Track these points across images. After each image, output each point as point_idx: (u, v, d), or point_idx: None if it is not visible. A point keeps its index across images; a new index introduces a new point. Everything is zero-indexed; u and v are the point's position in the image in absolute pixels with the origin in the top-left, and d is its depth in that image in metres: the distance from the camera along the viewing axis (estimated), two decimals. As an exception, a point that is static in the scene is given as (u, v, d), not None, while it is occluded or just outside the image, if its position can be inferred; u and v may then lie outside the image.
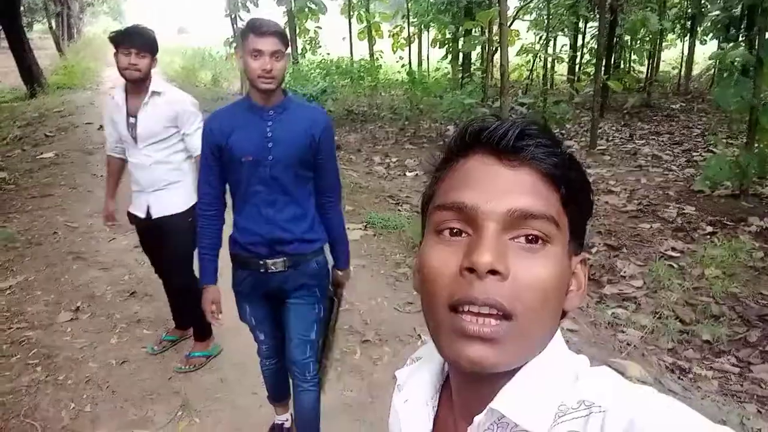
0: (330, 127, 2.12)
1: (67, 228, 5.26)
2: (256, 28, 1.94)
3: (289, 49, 2.07)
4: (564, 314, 0.64)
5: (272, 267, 2.09)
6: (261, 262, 2.09)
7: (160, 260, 3.17)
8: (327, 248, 2.23)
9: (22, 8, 15.04)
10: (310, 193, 2.14)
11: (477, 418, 0.61)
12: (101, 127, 9.39)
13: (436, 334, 0.60)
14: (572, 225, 0.62)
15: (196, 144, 2.78)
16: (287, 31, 12.66)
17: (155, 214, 2.96)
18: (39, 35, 28.34)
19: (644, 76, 14.07)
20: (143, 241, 3.18)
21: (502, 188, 0.59)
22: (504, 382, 0.60)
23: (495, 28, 10.14)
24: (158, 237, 3.01)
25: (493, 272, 0.55)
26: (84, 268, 4.39)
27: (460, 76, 11.77)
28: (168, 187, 2.95)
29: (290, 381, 2.31)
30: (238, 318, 2.29)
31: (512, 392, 0.59)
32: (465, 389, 0.66)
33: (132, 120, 2.86)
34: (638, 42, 13.27)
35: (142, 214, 2.98)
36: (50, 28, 23.16)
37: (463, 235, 0.60)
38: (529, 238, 0.58)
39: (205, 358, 3.19)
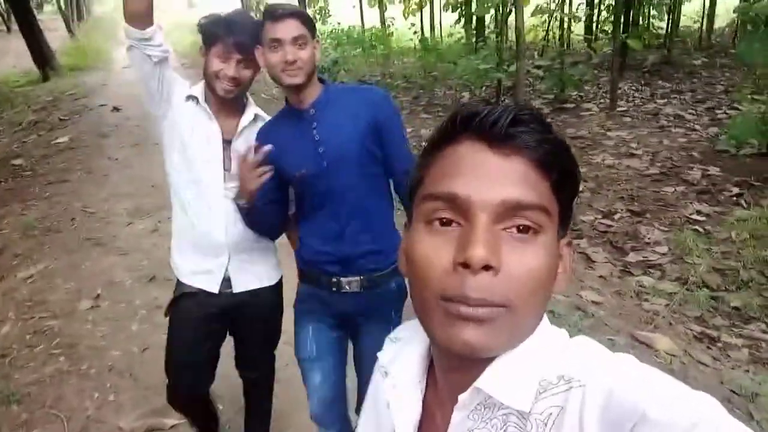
0: (387, 105, 1.76)
1: (84, 214, 5.28)
2: (271, 13, 1.66)
3: (317, 35, 1.75)
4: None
5: (346, 286, 1.77)
6: (333, 280, 1.78)
7: (239, 360, 2.26)
8: None
9: (30, -10, 14.96)
10: (382, 194, 1.81)
11: (461, 397, 0.61)
12: (114, 108, 9.40)
13: (427, 319, 0.60)
14: (561, 210, 0.62)
15: None
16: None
17: (238, 288, 2.00)
18: (48, 16, 28.29)
19: (664, 32, 13.62)
20: (199, 330, 2.02)
21: (494, 178, 0.58)
22: (489, 363, 0.60)
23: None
24: (234, 321, 2.10)
25: (486, 267, 0.55)
26: (102, 254, 4.41)
27: (473, 40, 11.48)
28: (256, 248, 2.04)
29: None
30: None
31: (496, 371, 0.60)
32: (453, 371, 0.65)
33: (225, 144, 1.97)
34: (658, -4, 12.83)
35: (213, 288, 1.98)
36: (59, 8, 23.09)
37: (454, 225, 0.59)
38: (521, 228, 0.58)
39: None
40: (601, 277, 4.09)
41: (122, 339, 3.30)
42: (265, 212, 1.89)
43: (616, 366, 0.56)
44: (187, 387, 2.09)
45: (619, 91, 9.31)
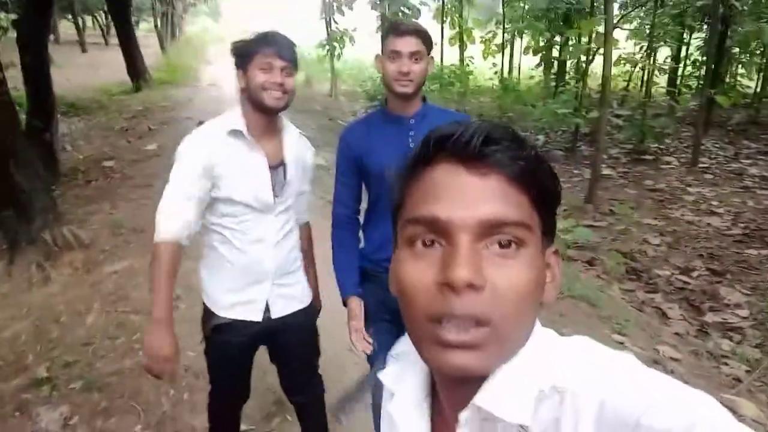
0: None
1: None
2: (395, 28, 1.83)
3: (433, 53, 1.91)
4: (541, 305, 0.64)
5: None
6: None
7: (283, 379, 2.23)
8: None
9: (131, 7, 15.97)
10: None
11: (462, 416, 0.61)
12: (200, 122, 9.79)
13: (417, 343, 0.61)
14: (543, 222, 0.62)
15: (306, 206, 2.21)
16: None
17: (277, 314, 1.99)
18: (144, 33, 30.05)
19: (753, 91, 13.20)
20: (239, 359, 2.05)
21: (471, 198, 0.58)
22: (486, 377, 0.60)
23: (593, 36, 9.82)
24: (274, 347, 2.13)
25: (470, 286, 0.55)
26: (182, 258, 4.57)
27: (553, 84, 11.46)
28: (291, 271, 2.04)
29: None
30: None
31: (493, 387, 0.59)
32: (451, 389, 0.66)
33: (272, 171, 1.92)
34: (749, 55, 12.48)
35: (257, 317, 1.95)
36: (156, 26, 24.53)
37: (436, 245, 0.59)
38: (503, 243, 0.58)
39: None
40: (676, 334, 3.95)
41: (198, 341, 3.38)
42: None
43: (610, 372, 0.56)
44: (230, 404, 2.19)
45: (702, 148, 9.05)
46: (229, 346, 1.97)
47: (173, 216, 1.79)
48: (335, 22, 14.81)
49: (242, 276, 1.92)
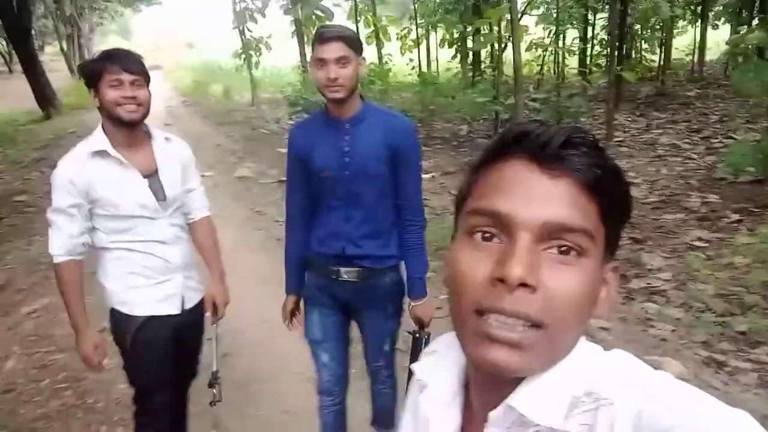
0: (411, 135, 2.00)
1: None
2: (320, 35, 1.88)
3: (363, 54, 1.96)
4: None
5: (345, 275, 2.04)
6: (334, 269, 2.05)
7: (182, 366, 2.29)
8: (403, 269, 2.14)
9: (33, 32, 15.24)
10: (390, 209, 2.04)
11: (492, 414, 0.61)
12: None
13: (460, 332, 0.61)
14: (608, 236, 0.61)
15: (202, 200, 2.29)
16: (303, 39, 12.70)
17: (189, 304, 2.16)
18: (50, 57, 28.73)
19: (657, 64, 13.89)
20: (165, 350, 2.11)
21: (539, 198, 0.57)
22: (522, 380, 0.60)
23: (504, 25, 10.08)
24: (186, 336, 2.21)
25: (523, 285, 0.54)
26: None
27: (470, 75, 11.70)
28: (191, 265, 2.21)
29: None
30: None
31: (530, 389, 0.59)
32: (485, 387, 0.65)
33: (148, 179, 2.02)
34: (649, 30, 13.12)
35: (176, 310, 2.10)
36: (62, 49, 23.50)
37: (495, 240, 0.58)
38: (563, 249, 0.57)
39: None
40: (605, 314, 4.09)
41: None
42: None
43: (648, 384, 0.55)
44: (159, 403, 2.15)
45: (615, 122, 9.44)
46: (155, 340, 2.05)
47: (56, 236, 1.94)
48: (249, 31, 14.62)
49: (155, 274, 2.05)
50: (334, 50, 1.84)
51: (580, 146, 0.58)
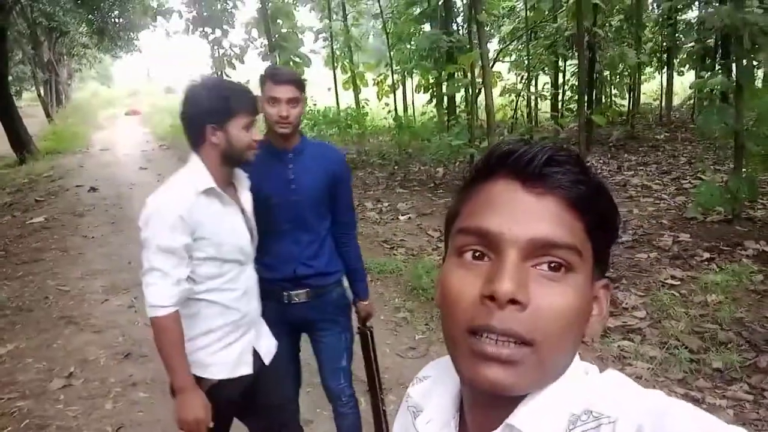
0: (345, 162, 2.28)
1: (58, 292, 5.17)
2: (273, 75, 2.06)
3: (306, 93, 2.19)
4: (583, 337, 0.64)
5: (295, 298, 2.18)
6: (285, 293, 2.18)
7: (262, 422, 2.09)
8: (346, 282, 2.35)
9: (10, 78, 15.22)
10: (328, 228, 2.25)
11: None
12: (91, 188, 9.41)
13: (454, 353, 0.60)
14: (596, 252, 0.62)
15: None
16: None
17: (268, 356, 1.99)
18: (27, 103, 28.62)
19: (626, 109, 14.29)
20: (227, 410, 1.91)
21: (525, 216, 0.58)
22: (520, 400, 0.60)
23: (477, 71, 10.33)
24: (261, 390, 2.00)
25: (513, 302, 0.55)
26: (76, 332, 4.29)
27: (445, 119, 11.90)
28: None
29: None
30: None
31: (529, 408, 0.59)
32: (481, 408, 0.65)
33: (244, 217, 1.92)
34: (618, 76, 13.53)
35: (249, 370, 1.90)
36: (39, 95, 23.42)
37: (485, 259, 0.59)
38: (552, 265, 0.58)
39: None
40: (582, 342, 4.09)
41: (96, 418, 3.17)
42: None
43: (646, 401, 0.56)
44: None
45: (587, 164, 9.61)
46: (226, 403, 1.85)
47: (163, 283, 1.66)
48: (227, 76, 14.75)
49: (232, 333, 1.84)
50: (287, 91, 2.02)
51: (564, 164, 0.59)
